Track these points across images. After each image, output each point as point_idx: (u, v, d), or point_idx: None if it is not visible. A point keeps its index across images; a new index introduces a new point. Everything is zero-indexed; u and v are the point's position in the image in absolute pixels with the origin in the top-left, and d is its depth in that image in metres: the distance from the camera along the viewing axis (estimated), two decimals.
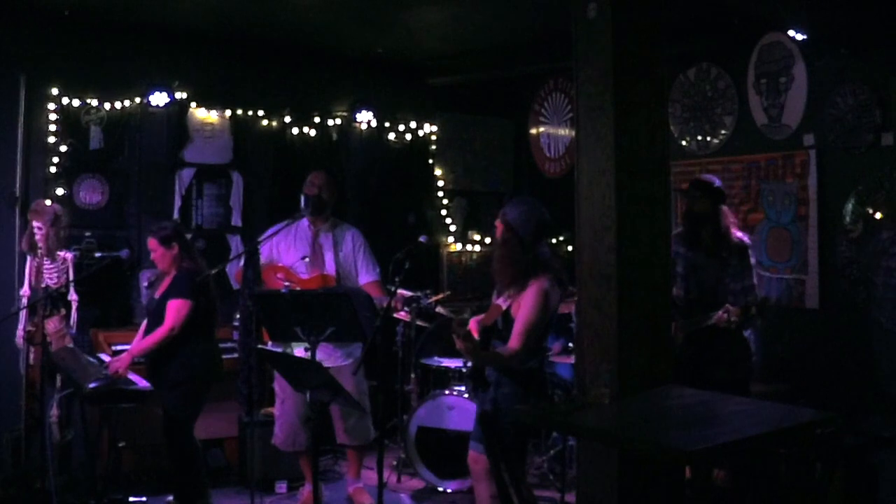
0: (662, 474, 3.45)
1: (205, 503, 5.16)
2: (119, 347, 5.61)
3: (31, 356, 5.50)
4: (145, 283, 5.92)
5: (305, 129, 7.06)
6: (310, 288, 5.21)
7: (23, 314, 5.51)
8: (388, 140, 7.48)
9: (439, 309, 6.11)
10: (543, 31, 6.21)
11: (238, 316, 5.68)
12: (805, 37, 5.62)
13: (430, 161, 7.71)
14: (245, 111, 6.81)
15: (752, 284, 4.78)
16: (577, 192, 3.61)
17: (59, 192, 6.03)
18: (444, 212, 7.76)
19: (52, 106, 6.03)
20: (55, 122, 6.04)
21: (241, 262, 5.34)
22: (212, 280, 5.15)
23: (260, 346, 5.14)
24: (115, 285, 6.23)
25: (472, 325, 4.38)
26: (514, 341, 4.12)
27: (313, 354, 4.43)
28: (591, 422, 3.29)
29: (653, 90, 3.57)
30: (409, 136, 7.56)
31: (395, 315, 5.90)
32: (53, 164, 6.03)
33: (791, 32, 5.68)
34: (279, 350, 5.14)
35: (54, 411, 5.51)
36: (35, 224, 5.53)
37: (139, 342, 5.07)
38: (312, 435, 4.83)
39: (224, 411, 5.89)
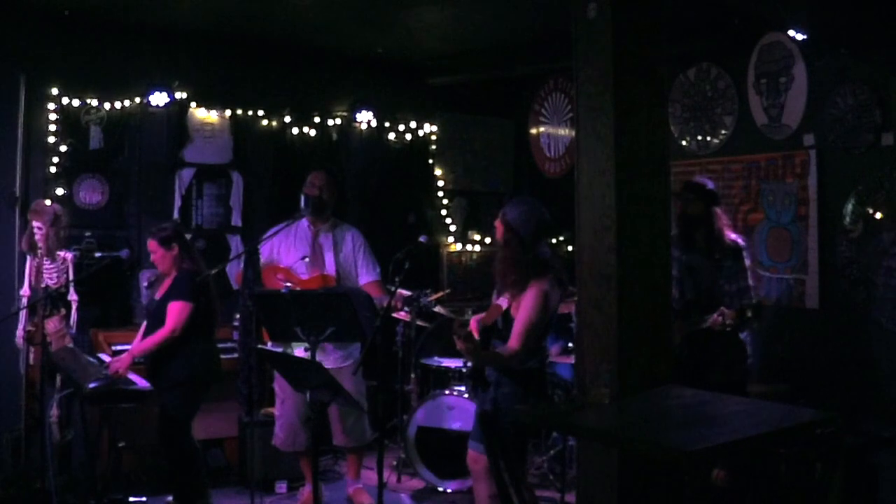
0: (662, 474, 3.45)
1: (205, 503, 5.16)
2: (119, 347, 5.61)
3: (31, 356, 5.50)
4: (145, 284, 5.92)
5: (305, 129, 7.06)
6: (310, 288, 5.21)
7: (23, 314, 5.51)
8: (388, 140, 7.48)
9: (439, 309, 6.11)
10: (543, 31, 6.21)
11: (238, 316, 5.69)
12: (805, 37, 5.62)
13: (430, 161, 7.72)
14: (245, 111, 6.81)
15: (748, 286, 4.78)
16: (577, 192, 3.61)
17: (59, 192, 6.03)
18: (444, 212, 7.76)
19: (52, 106, 6.03)
20: (55, 121, 6.04)
21: (241, 263, 5.35)
22: (212, 280, 5.15)
23: (260, 346, 5.14)
24: (115, 285, 6.23)
25: (473, 324, 4.38)
26: (514, 341, 4.12)
27: (313, 354, 4.43)
28: (591, 422, 3.29)
29: (653, 90, 3.57)
30: (409, 136, 7.56)
31: (395, 315, 5.91)
32: (53, 164, 6.03)
33: (791, 32, 5.68)
34: (279, 350, 5.14)
35: (54, 411, 5.51)
36: (35, 224, 5.53)
37: (140, 343, 5.07)
38: (312, 435, 4.83)
39: (224, 411, 5.89)
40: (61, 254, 5.64)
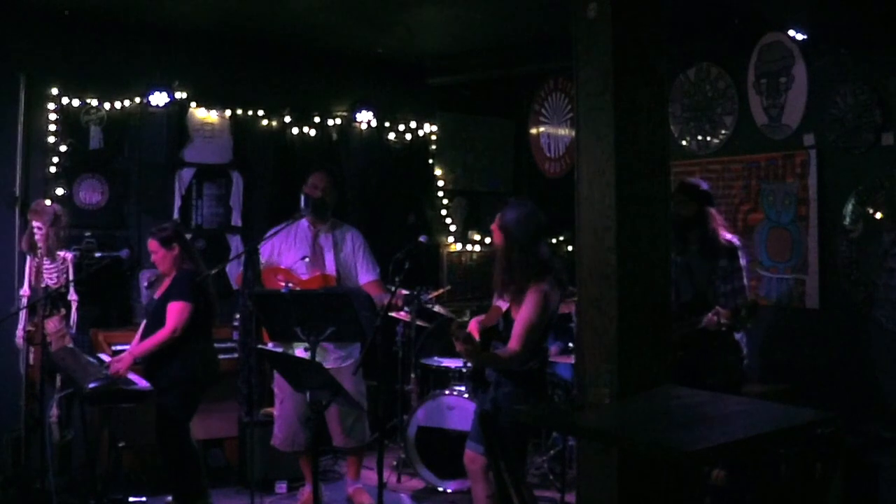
0: (662, 474, 3.45)
1: (204, 503, 5.16)
2: (119, 347, 5.61)
3: (31, 356, 5.50)
4: (145, 284, 5.92)
5: (305, 129, 7.06)
6: (310, 288, 5.21)
7: (23, 314, 5.51)
8: (388, 140, 7.48)
9: (439, 308, 6.11)
10: (543, 31, 6.21)
11: (238, 316, 5.69)
12: (805, 37, 5.62)
13: (430, 161, 7.71)
14: (245, 111, 6.81)
15: (743, 286, 4.76)
16: (577, 192, 3.61)
17: (59, 192, 6.02)
18: (444, 212, 7.76)
19: (52, 106, 6.03)
20: (55, 121, 6.03)
21: (241, 263, 5.35)
22: (211, 280, 5.14)
23: (260, 346, 5.14)
24: (115, 285, 6.22)
25: (473, 325, 4.38)
26: (514, 342, 4.12)
27: (313, 354, 4.43)
28: (591, 422, 3.29)
29: (653, 90, 3.57)
30: (409, 136, 7.56)
31: (395, 315, 5.91)
32: (53, 164, 6.02)
33: (791, 32, 5.68)
34: (279, 350, 5.14)
35: (54, 411, 5.51)
36: (35, 224, 5.53)
37: (140, 343, 5.06)
38: (312, 435, 4.83)
39: (224, 411, 5.89)
40: (61, 254, 5.64)
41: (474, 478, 4.31)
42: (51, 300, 5.45)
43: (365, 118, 7.18)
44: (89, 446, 5.29)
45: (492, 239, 4.51)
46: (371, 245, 5.59)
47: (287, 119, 6.97)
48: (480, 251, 7.85)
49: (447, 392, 5.78)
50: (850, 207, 5.58)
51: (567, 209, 3.82)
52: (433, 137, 7.70)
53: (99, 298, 6.10)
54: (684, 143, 6.58)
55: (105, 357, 5.39)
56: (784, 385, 5.72)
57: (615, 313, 3.44)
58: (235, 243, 6.75)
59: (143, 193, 6.41)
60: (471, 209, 7.92)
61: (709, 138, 6.44)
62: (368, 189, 7.36)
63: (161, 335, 4.94)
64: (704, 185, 4.95)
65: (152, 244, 5.13)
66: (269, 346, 5.23)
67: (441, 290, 6.24)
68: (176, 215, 6.48)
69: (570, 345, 5.87)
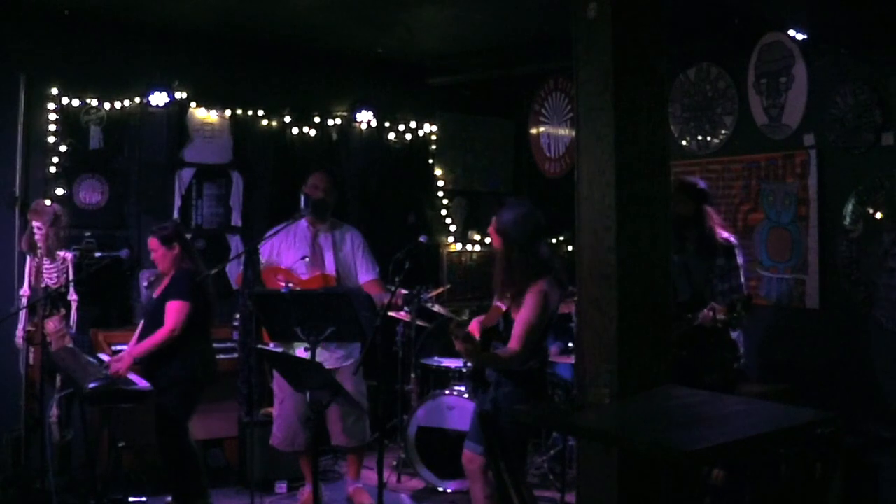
0: (662, 474, 3.45)
1: (204, 503, 5.16)
2: (119, 347, 5.61)
3: (31, 356, 5.50)
4: (145, 283, 5.92)
5: (305, 129, 7.06)
6: (310, 288, 5.21)
7: (23, 314, 5.51)
8: (388, 140, 7.48)
9: (438, 308, 6.11)
10: (543, 31, 6.21)
11: (238, 316, 5.69)
12: (805, 37, 5.62)
13: (430, 161, 7.72)
14: (245, 111, 6.81)
15: (740, 284, 4.76)
16: (577, 192, 3.61)
17: (59, 192, 6.02)
18: (444, 212, 7.76)
19: (51, 106, 6.03)
20: (55, 121, 6.03)
21: (241, 263, 5.34)
22: (210, 280, 5.14)
23: (260, 346, 5.14)
24: (115, 285, 6.22)
25: (474, 325, 4.38)
26: (514, 342, 4.12)
27: (313, 354, 4.43)
28: (591, 422, 3.29)
29: (653, 90, 3.57)
30: (409, 136, 7.56)
31: (395, 315, 5.91)
32: (53, 164, 6.03)
33: (791, 32, 5.68)
34: (279, 350, 5.14)
35: (54, 411, 5.51)
36: (35, 224, 5.53)
37: (140, 343, 5.05)
38: (312, 435, 4.83)
39: (224, 411, 5.89)
40: (61, 254, 5.64)
41: (472, 477, 4.31)
42: (51, 300, 5.45)
43: (365, 118, 7.18)
44: (89, 446, 5.29)
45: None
46: (371, 245, 5.60)
47: (287, 119, 6.97)
48: (480, 251, 7.85)
49: (447, 392, 5.78)
50: (850, 207, 5.59)
51: (567, 209, 3.82)
52: (433, 137, 7.70)
53: (99, 298, 6.10)
54: (684, 143, 6.58)
55: (105, 357, 5.39)
56: (784, 385, 5.72)
57: (615, 313, 3.44)
58: (235, 243, 6.75)
59: (143, 193, 6.41)
60: (471, 209, 7.92)
61: (709, 138, 6.44)
62: (368, 189, 7.36)
63: (160, 335, 4.94)
64: (702, 184, 4.95)
65: (152, 242, 5.13)
66: (270, 346, 5.23)
67: (441, 289, 6.24)
68: (176, 215, 6.47)
69: (570, 345, 5.87)
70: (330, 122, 7.16)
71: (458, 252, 7.80)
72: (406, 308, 5.70)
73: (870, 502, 4.58)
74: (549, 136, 7.80)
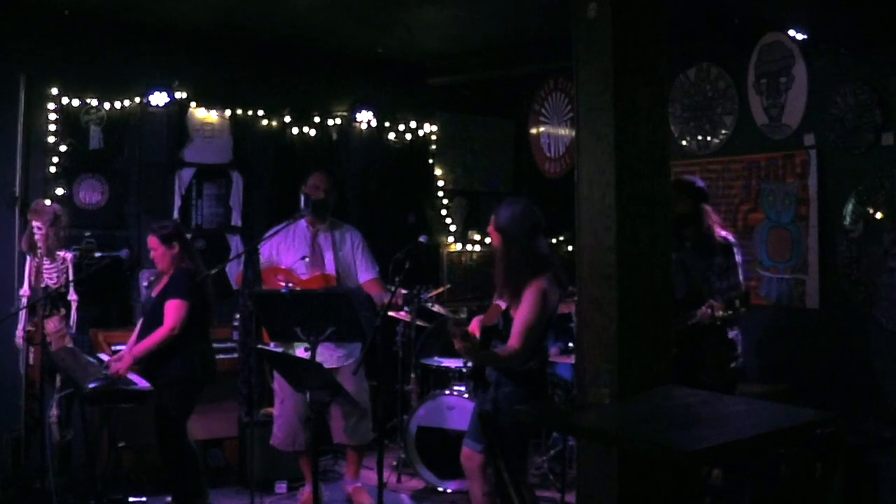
0: (662, 474, 3.45)
1: (203, 503, 5.16)
2: (119, 347, 5.60)
3: (31, 356, 5.50)
4: (145, 283, 5.91)
5: (305, 129, 7.06)
6: (310, 288, 5.21)
7: (23, 314, 5.51)
8: (388, 140, 7.48)
9: (438, 308, 6.11)
10: (543, 31, 6.21)
11: (238, 316, 5.69)
12: (805, 37, 5.62)
13: (430, 161, 7.72)
14: (245, 111, 6.81)
15: (738, 282, 4.76)
16: (577, 192, 3.61)
17: (59, 192, 6.02)
18: (444, 212, 7.76)
19: (51, 106, 6.03)
20: (55, 121, 6.04)
21: (241, 263, 5.34)
22: (209, 280, 5.14)
23: (260, 346, 5.14)
24: (115, 285, 6.22)
25: (474, 324, 4.38)
26: (514, 340, 4.12)
27: (313, 354, 4.43)
28: (591, 422, 3.29)
29: (653, 90, 3.57)
30: (409, 136, 7.56)
31: (395, 315, 5.91)
32: (53, 164, 6.03)
33: (791, 32, 5.68)
34: (279, 350, 5.14)
35: (54, 411, 5.51)
36: (35, 224, 5.53)
37: (140, 343, 5.04)
38: (312, 435, 4.83)
39: (224, 411, 5.89)
40: (61, 254, 5.64)
41: (471, 476, 4.31)
42: (51, 300, 5.44)
43: (365, 118, 7.18)
44: (89, 446, 5.29)
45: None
46: (371, 245, 5.60)
47: (287, 119, 6.97)
48: (480, 251, 7.85)
49: (447, 392, 5.78)
50: (850, 207, 5.59)
51: (567, 209, 3.82)
52: (433, 137, 7.70)
53: (99, 298, 6.10)
54: (684, 143, 6.58)
55: (105, 357, 5.39)
56: (784, 385, 5.72)
57: (615, 313, 3.44)
58: (235, 243, 6.76)
59: (143, 193, 6.41)
60: (471, 209, 7.92)
61: (709, 138, 6.44)
62: (368, 189, 7.36)
63: (160, 334, 4.93)
64: (700, 182, 4.94)
65: (152, 241, 5.12)
66: (270, 346, 5.23)
67: (441, 289, 6.23)
68: (176, 215, 6.48)
69: (570, 345, 5.87)
70: (330, 122, 7.16)
71: (458, 252, 7.80)
72: (406, 308, 5.70)
73: (870, 502, 4.58)
74: (549, 136, 7.80)
